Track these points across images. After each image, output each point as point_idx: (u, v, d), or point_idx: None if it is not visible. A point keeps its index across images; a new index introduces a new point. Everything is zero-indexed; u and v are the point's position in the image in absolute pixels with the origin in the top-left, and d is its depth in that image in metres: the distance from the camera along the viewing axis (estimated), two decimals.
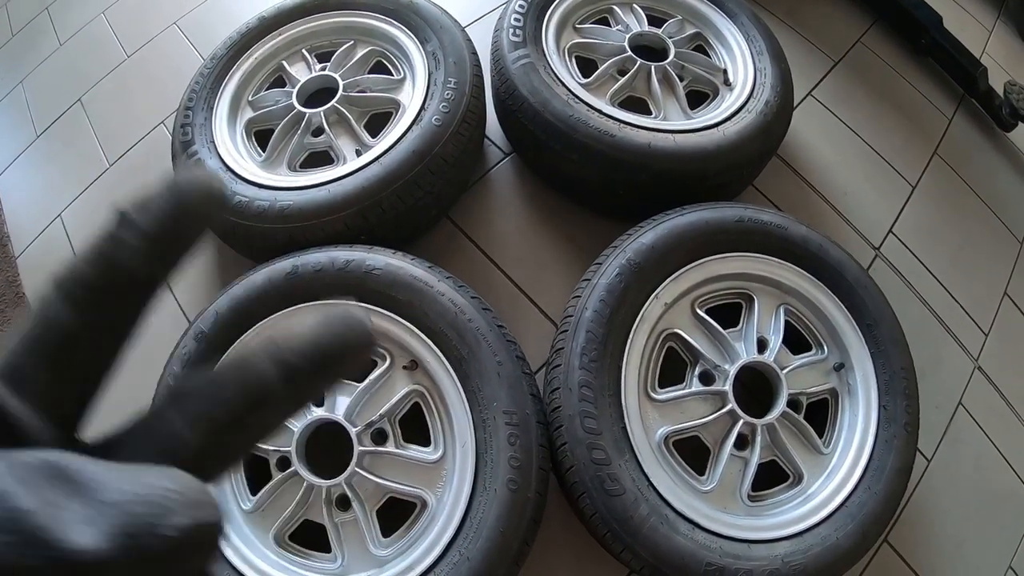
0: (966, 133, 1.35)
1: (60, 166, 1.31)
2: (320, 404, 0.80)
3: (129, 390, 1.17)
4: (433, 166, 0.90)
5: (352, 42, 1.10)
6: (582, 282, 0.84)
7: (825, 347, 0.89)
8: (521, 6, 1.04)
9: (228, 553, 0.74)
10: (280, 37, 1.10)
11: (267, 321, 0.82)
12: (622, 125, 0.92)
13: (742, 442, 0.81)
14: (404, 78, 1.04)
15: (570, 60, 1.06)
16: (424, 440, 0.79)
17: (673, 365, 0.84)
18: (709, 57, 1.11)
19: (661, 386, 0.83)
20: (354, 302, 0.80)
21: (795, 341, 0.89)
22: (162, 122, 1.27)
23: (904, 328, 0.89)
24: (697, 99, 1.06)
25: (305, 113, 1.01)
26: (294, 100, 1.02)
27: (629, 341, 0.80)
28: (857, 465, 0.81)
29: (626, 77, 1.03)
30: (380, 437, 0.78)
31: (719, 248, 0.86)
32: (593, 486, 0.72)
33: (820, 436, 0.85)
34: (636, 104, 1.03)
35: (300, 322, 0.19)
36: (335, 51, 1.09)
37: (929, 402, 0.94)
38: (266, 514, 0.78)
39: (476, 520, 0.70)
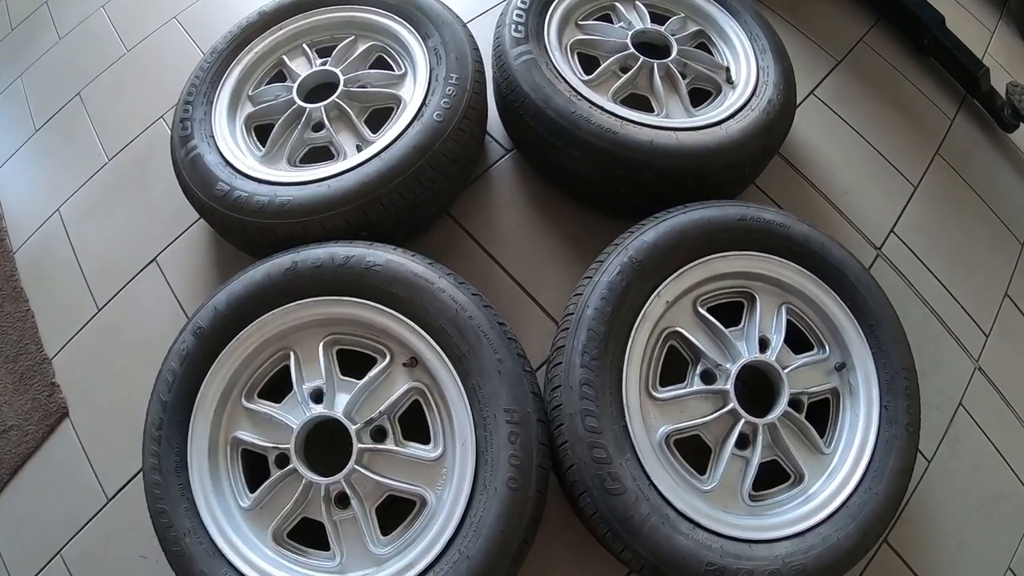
0: (968, 133, 1.35)
1: (59, 160, 1.30)
2: (319, 401, 0.80)
3: (127, 384, 1.16)
4: (434, 162, 0.89)
5: (353, 37, 1.09)
6: (583, 280, 0.83)
7: (827, 346, 0.89)
8: (523, 2, 1.03)
9: (226, 550, 0.73)
10: (280, 31, 1.09)
11: (266, 317, 0.82)
12: (624, 122, 0.92)
13: (743, 441, 0.81)
14: (405, 73, 1.04)
15: (572, 57, 1.05)
16: (424, 438, 0.78)
17: (674, 364, 0.84)
18: (712, 55, 1.10)
19: (662, 385, 0.82)
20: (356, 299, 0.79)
21: (797, 340, 0.89)
22: (161, 116, 1.26)
23: (905, 328, 0.88)
24: (699, 97, 1.06)
25: (305, 108, 1.00)
26: (294, 95, 1.02)
27: (631, 339, 0.79)
28: (858, 465, 0.81)
29: (628, 74, 1.03)
30: (379, 435, 0.78)
31: (721, 246, 0.86)
32: (594, 485, 0.72)
33: (821, 436, 0.84)
34: (638, 101, 1.02)
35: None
36: (336, 46, 1.08)
37: (929, 402, 0.94)
38: (264, 511, 0.77)
39: (476, 519, 0.69)
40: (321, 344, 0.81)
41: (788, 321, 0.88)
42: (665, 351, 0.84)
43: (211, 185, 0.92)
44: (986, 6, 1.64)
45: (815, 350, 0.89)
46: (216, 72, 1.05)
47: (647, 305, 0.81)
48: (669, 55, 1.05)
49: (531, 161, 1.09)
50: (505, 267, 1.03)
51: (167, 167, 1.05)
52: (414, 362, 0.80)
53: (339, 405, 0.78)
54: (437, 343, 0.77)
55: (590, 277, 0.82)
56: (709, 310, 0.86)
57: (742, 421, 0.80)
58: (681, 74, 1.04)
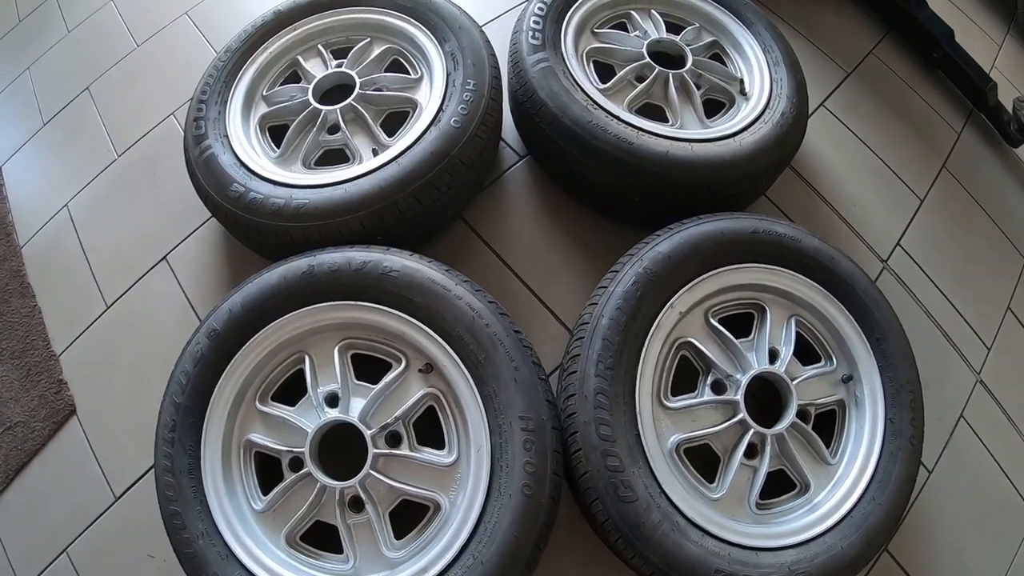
0: (974, 148, 1.37)
1: (67, 155, 1.29)
2: (334, 405, 0.80)
3: (136, 382, 1.15)
4: (451, 168, 0.89)
5: (369, 39, 1.09)
6: (598, 289, 0.84)
7: (834, 359, 0.90)
8: (540, 8, 1.04)
9: (239, 553, 0.74)
10: (295, 32, 1.09)
11: (281, 320, 0.82)
12: (640, 132, 0.93)
13: (752, 451, 0.82)
14: (421, 77, 1.04)
15: (588, 65, 1.06)
16: (438, 443, 0.79)
17: (685, 374, 0.85)
18: (726, 66, 1.11)
19: (674, 394, 0.83)
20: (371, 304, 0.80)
21: (804, 352, 0.90)
22: (172, 114, 1.26)
23: (909, 340, 0.90)
24: (712, 108, 1.07)
25: (321, 110, 1.00)
26: (310, 96, 1.02)
27: (644, 349, 0.80)
28: (863, 476, 0.83)
29: (644, 84, 1.03)
30: (394, 440, 0.78)
31: (734, 258, 0.87)
32: (606, 492, 0.73)
33: (827, 447, 0.86)
34: (652, 111, 1.03)
35: None
36: (351, 48, 1.08)
37: (931, 414, 0.96)
38: (277, 514, 0.78)
39: (490, 524, 0.70)
40: (336, 348, 0.82)
41: (797, 333, 0.89)
42: (677, 361, 0.85)
43: (226, 186, 0.92)
44: (994, 20, 1.65)
45: (823, 362, 0.90)
46: (230, 71, 1.05)
47: (661, 315, 0.82)
48: (684, 65, 1.05)
49: (545, 168, 1.09)
50: (517, 272, 1.04)
51: (178, 165, 1.05)
52: (429, 368, 0.80)
53: (354, 410, 0.79)
54: (453, 350, 0.77)
55: (605, 287, 0.83)
56: (720, 321, 0.87)
57: (751, 431, 0.81)
58: (696, 85, 1.05)
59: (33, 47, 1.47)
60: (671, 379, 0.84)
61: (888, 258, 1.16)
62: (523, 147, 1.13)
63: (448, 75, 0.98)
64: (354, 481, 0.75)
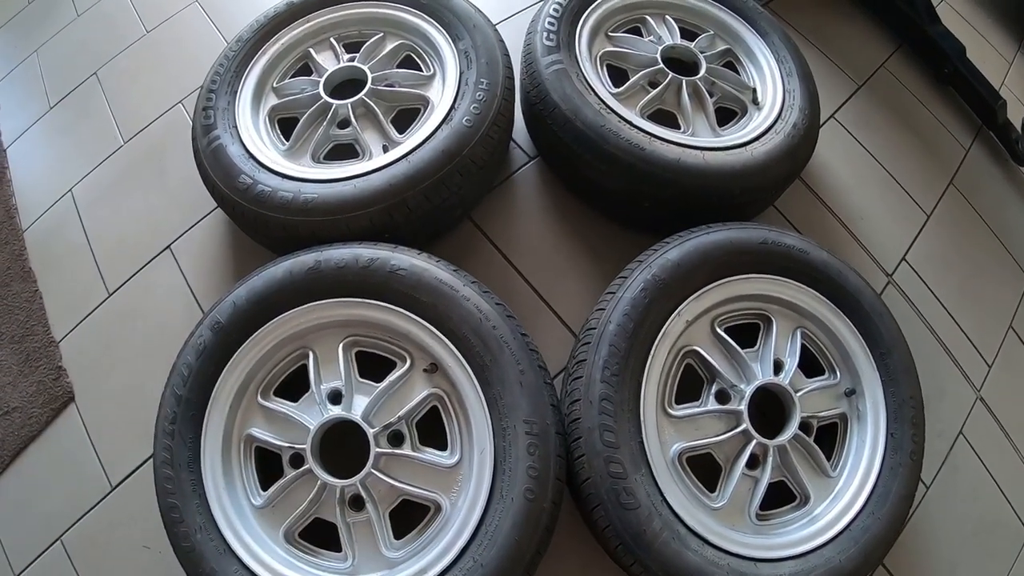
0: (982, 165, 1.37)
1: (73, 140, 1.28)
2: (336, 402, 0.80)
3: (136, 371, 1.15)
4: (462, 167, 0.89)
5: (382, 34, 1.08)
6: (606, 295, 0.84)
7: (838, 372, 0.90)
8: (556, 10, 1.03)
9: (237, 548, 0.73)
10: (308, 24, 1.08)
11: (286, 315, 0.81)
12: (652, 139, 0.92)
13: (753, 462, 0.82)
14: (434, 75, 1.03)
15: (602, 68, 1.05)
16: (441, 444, 0.79)
17: (690, 382, 0.85)
18: (739, 75, 1.11)
19: (678, 403, 0.83)
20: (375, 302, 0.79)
21: (809, 364, 0.90)
22: (180, 102, 1.25)
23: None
24: (724, 116, 1.06)
25: (332, 104, 0.99)
26: (321, 90, 1.01)
27: (650, 357, 0.80)
28: (863, 490, 0.83)
29: (657, 89, 1.03)
30: (397, 439, 0.78)
31: (742, 268, 0.87)
32: (608, 499, 0.73)
33: (828, 459, 0.86)
34: (664, 117, 1.02)
35: None
36: (364, 42, 1.07)
37: (931, 429, 0.96)
38: (276, 510, 0.77)
39: (491, 527, 0.70)
40: (341, 345, 0.81)
41: (802, 345, 0.89)
42: (682, 369, 0.85)
43: (234, 177, 0.91)
44: (1006, 38, 1.66)
45: (826, 375, 0.90)
46: (241, 61, 1.04)
47: (668, 323, 0.82)
48: (698, 72, 1.05)
49: (555, 170, 1.09)
50: (523, 273, 1.03)
51: (185, 154, 1.04)
52: (434, 368, 0.80)
53: (357, 407, 0.78)
54: (459, 351, 0.77)
55: (613, 293, 0.83)
56: (726, 331, 0.87)
57: (753, 442, 0.81)
58: (709, 92, 1.05)
59: (41, 30, 1.45)
60: (676, 387, 0.84)
61: (893, 272, 1.16)
62: (533, 148, 1.12)
63: (461, 73, 0.98)
64: (355, 479, 0.75)
